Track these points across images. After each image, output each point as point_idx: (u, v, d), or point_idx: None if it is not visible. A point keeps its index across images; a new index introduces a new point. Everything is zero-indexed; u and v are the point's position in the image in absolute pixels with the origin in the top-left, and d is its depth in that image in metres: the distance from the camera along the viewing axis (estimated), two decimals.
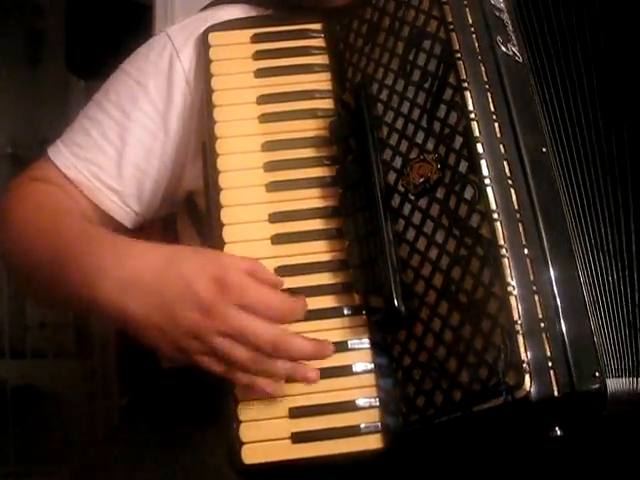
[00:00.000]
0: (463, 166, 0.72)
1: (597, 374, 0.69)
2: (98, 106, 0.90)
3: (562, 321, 0.69)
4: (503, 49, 0.77)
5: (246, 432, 0.75)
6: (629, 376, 0.71)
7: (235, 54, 0.86)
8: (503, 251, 0.69)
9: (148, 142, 0.89)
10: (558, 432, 0.69)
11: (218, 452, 0.77)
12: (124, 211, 0.90)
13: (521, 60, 0.78)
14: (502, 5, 0.79)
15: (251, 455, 0.74)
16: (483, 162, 0.72)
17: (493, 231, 0.70)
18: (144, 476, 0.74)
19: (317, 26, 0.87)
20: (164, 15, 1.71)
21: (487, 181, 0.71)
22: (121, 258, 0.74)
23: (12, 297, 2.35)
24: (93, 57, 2.29)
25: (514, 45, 0.78)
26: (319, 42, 0.86)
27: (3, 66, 2.65)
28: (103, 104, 0.90)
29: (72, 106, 2.44)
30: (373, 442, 0.74)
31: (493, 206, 0.71)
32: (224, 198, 0.81)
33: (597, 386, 0.69)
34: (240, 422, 0.75)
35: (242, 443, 0.74)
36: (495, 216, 0.70)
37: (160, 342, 0.72)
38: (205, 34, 0.86)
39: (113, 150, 0.88)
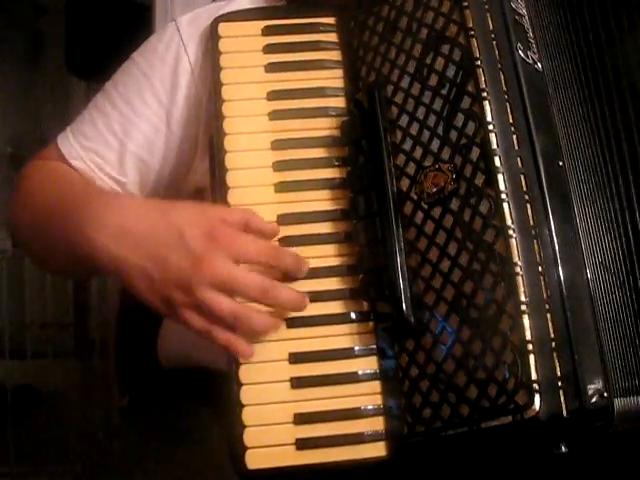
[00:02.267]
0: (479, 179, 0.71)
1: (605, 394, 0.69)
2: (106, 97, 0.91)
3: (573, 340, 0.69)
4: (523, 57, 0.75)
5: (250, 437, 0.74)
6: (637, 395, 0.71)
7: (246, 47, 0.83)
8: (517, 269, 0.69)
9: (151, 135, 0.89)
10: (563, 449, 0.69)
11: (220, 451, 0.77)
12: None
13: (540, 68, 0.76)
14: (523, 10, 0.77)
15: (255, 460, 0.74)
16: (500, 176, 0.71)
17: (508, 247, 0.69)
18: (145, 476, 0.74)
19: (330, 20, 0.84)
20: (164, 15, 1.67)
21: (503, 196, 0.70)
22: (118, 209, 0.76)
23: (12, 297, 2.33)
24: (93, 57, 2.26)
25: (534, 52, 0.76)
26: (332, 37, 0.84)
27: (3, 66, 2.60)
28: (111, 95, 0.90)
29: (72, 106, 2.40)
30: (377, 450, 0.74)
31: (509, 222, 0.70)
32: (232, 197, 0.79)
33: (605, 405, 0.69)
34: (245, 427, 0.74)
35: (246, 448, 0.74)
36: (510, 232, 0.69)
37: (149, 293, 0.73)
38: (215, 24, 0.83)
39: (116, 142, 0.89)
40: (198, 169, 0.90)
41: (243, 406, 0.75)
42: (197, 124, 0.88)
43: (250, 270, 0.74)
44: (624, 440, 0.75)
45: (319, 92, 0.82)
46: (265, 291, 0.73)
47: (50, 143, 0.92)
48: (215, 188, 0.80)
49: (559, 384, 0.67)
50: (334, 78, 0.83)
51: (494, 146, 0.71)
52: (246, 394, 0.75)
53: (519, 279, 0.68)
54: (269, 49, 0.83)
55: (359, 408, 0.75)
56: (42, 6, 2.71)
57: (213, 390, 0.81)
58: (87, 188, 0.87)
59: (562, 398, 0.67)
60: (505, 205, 0.70)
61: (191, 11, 0.92)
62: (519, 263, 0.69)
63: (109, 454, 0.82)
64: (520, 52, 0.75)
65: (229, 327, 0.73)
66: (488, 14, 0.75)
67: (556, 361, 0.68)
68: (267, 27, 0.84)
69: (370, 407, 0.75)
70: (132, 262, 0.73)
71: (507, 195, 0.70)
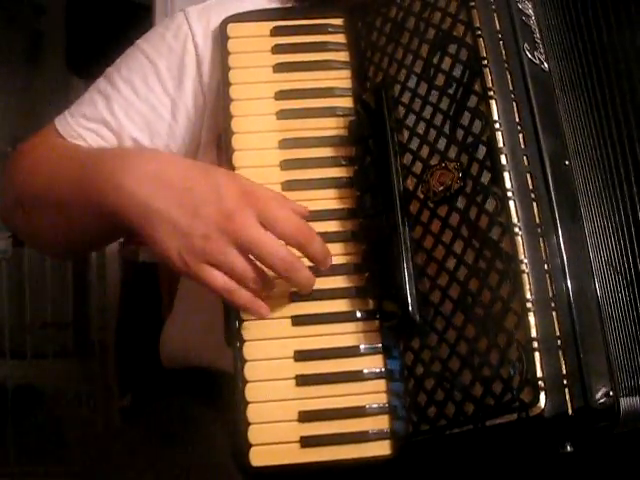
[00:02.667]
0: (486, 177, 0.71)
1: (611, 393, 0.69)
2: (108, 80, 0.90)
3: (578, 338, 0.69)
4: (530, 57, 0.75)
5: (255, 434, 0.74)
6: None
7: (254, 47, 0.84)
8: (523, 267, 0.69)
9: (154, 122, 0.88)
10: (569, 448, 0.69)
11: (222, 451, 0.77)
12: None
13: (547, 69, 0.76)
14: (530, 11, 0.77)
15: (259, 457, 0.74)
16: (506, 174, 0.71)
17: (514, 245, 0.69)
18: (145, 476, 0.73)
19: (338, 21, 0.85)
20: (164, 15, 1.69)
21: (509, 194, 0.70)
22: (153, 158, 0.76)
23: (12, 297, 2.34)
24: (93, 57, 2.27)
25: (541, 53, 0.76)
26: (340, 38, 0.84)
27: (3, 66, 2.62)
28: (113, 78, 0.89)
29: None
30: (381, 449, 0.74)
31: (515, 219, 0.70)
32: None
33: (611, 404, 0.69)
34: (249, 424, 0.74)
35: (250, 445, 0.74)
36: (516, 230, 0.69)
37: (171, 242, 0.71)
38: (224, 25, 0.84)
39: (116, 123, 0.88)
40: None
41: (248, 403, 0.75)
42: (202, 116, 0.88)
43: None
44: (629, 442, 0.75)
45: (327, 92, 0.83)
46: (288, 263, 0.71)
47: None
48: None
49: (565, 382, 0.67)
50: (342, 79, 0.83)
51: (500, 144, 0.71)
52: (251, 391, 0.75)
53: (525, 277, 0.68)
54: (277, 49, 0.84)
55: (364, 406, 0.75)
56: (42, 6, 2.73)
57: (214, 390, 0.81)
58: (106, 148, 0.85)
59: (567, 396, 0.67)
60: (511, 203, 0.70)
61: None
62: (525, 261, 0.69)
63: (109, 454, 0.81)
64: (527, 52, 0.75)
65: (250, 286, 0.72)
66: (495, 14, 0.75)
67: (562, 359, 0.68)
68: (276, 28, 0.84)
69: (375, 405, 0.75)
70: (160, 207, 0.71)
71: (513, 193, 0.70)
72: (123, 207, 0.73)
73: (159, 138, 0.88)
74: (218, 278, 0.72)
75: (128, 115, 0.88)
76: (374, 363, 0.76)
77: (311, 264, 0.75)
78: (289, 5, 0.90)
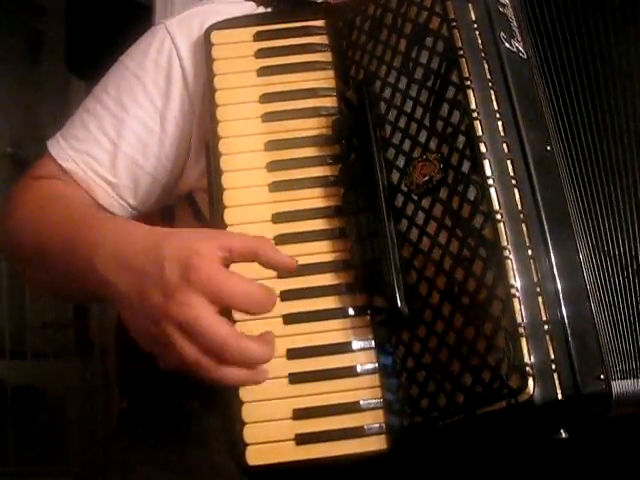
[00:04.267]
0: (466, 166, 0.72)
1: (602, 376, 0.68)
2: (97, 100, 0.91)
3: (566, 323, 0.68)
4: (507, 45, 0.75)
5: (250, 433, 0.74)
6: (634, 378, 0.70)
7: (238, 53, 0.85)
8: (506, 252, 0.68)
9: (144, 137, 0.89)
10: (563, 435, 0.68)
11: (220, 452, 0.77)
12: (118, 204, 0.90)
13: (525, 56, 0.76)
14: (507, 0, 0.77)
15: (255, 456, 0.74)
16: (486, 162, 0.71)
17: (496, 232, 0.69)
18: (145, 476, 0.74)
19: (320, 23, 0.86)
20: (164, 15, 1.70)
21: (490, 181, 0.70)
22: (117, 235, 0.75)
23: (12, 297, 2.37)
24: (93, 57, 2.29)
25: (518, 41, 0.76)
26: (322, 39, 0.85)
27: (3, 66, 2.66)
28: (102, 97, 0.91)
29: (72, 106, 2.44)
30: (377, 443, 0.74)
31: (496, 206, 0.70)
32: (227, 198, 0.80)
33: (602, 388, 0.68)
34: (244, 423, 0.74)
35: (246, 444, 0.74)
36: (498, 217, 0.69)
37: (131, 323, 0.72)
38: (207, 33, 0.85)
39: (109, 143, 0.89)
40: (191, 172, 0.90)
41: (242, 403, 0.75)
42: (190, 126, 0.89)
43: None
44: (624, 431, 0.74)
45: (311, 93, 0.84)
46: (225, 345, 0.68)
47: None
48: (211, 191, 0.81)
49: (553, 367, 0.67)
50: (325, 79, 0.84)
51: (479, 133, 0.71)
52: (245, 391, 0.75)
53: (508, 263, 0.68)
54: (261, 54, 0.85)
55: (358, 402, 0.75)
56: (42, 6, 2.76)
57: (212, 391, 0.81)
58: (87, 208, 0.86)
59: (557, 382, 0.66)
60: (492, 190, 0.70)
61: None
62: (508, 247, 0.69)
63: (109, 454, 0.82)
64: (504, 40, 0.75)
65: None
66: (470, 5, 0.75)
67: (549, 344, 0.67)
68: (258, 32, 0.85)
69: (369, 401, 0.75)
70: (123, 292, 0.71)
71: (494, 180, 0.70)
72: (98, 283, 0.74)
73: (150, 152, 0.90)
74: (167, 358, 0.70)
75: (120, 133, 0.89)
76: (367, 358, 0.76)
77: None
78: (269, 10, 0.91)
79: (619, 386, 0.69)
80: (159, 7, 1.78)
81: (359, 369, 0.76)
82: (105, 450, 0.85)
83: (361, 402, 0.75)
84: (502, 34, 0.75)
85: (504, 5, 0.77)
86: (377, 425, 0.74)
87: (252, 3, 0.91)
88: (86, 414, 2.25)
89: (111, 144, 0.89)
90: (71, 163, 0.89)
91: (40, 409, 2.35)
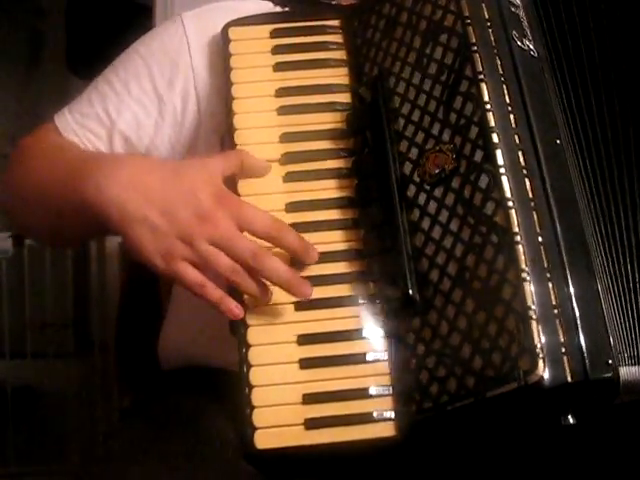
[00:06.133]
0: (478, 155, 0.73)
1: (610, 362, 0.69)
2: (105, 80, 0.94)
3: (575, 308, 0.69)
4: (519, 43, 0.78)
5: (260, 417, 0.75)
6: None
7: (255, 48, 0.87)
8: (517, 238, 0.70)
9: (142, 119, 0.92)
10: (571, 420, 0.69)
11: (223, 449, 0.77)
12: None
13: (536, 55, 0.79)
14: (518, 1, 0.80)
15: (264, 440, 0.74)
16: (498, 151, 0.73)
17: (507, 218, 0.71)
18: (145, 476, 0.74)
19: (335, 22, 0.88)
20: (164, 15, 1.73)
21: (502, 170, 0.72)
22: (129, 163, 0.80)
23: (12, 297, 2.36)
24: (93, 57, 2.32)
25: (530, 40, 0.79)
26: (337, 38, 0.88)
27: (3, 66, 2.68)
28: (110, 78, 0.94)
29: None
30: (386, 430, 0.74)
31: (507, 194, 0.71)
32: (242, 188, 0.82)
33: (610, 374, 0.69)
34: (254, 407, 0.75)
35: (255, 428, 0.74)
36: (509, 204, 0.71)
37: (148, 243, 0.75)
38: (225, 29, 0.88)
39: (108, 120, 0.92)
40: None
41: (252, 387, 0.76)
42: (192, 116, 0.91)
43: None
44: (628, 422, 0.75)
45: (325, 89, 0.86)
46: (256, 257, 0.75)
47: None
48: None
49: (563, 350, 0.68)
50: (339, 76, 0.86)
51: (492, 124, 0.73)
52: (255, 375, 0.76)
53: (519, 248, 0.70)
54: (277, 50, 0.87)
55: (367, 388, 0.76)
56: (42, 6, 2.78)
57: (214, 388, 0.82)
58: (91, 152, 0.91)
59: (566, 364, 0.68)
60: (504, 178, 0.72)
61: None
62: (519, 232, 0.70)
63: (109, 454, 0.82)
64: (516, 39, 0.78)
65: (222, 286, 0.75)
66: (483, 4, 0.78)
67: (559, 328, 0.68)
68: (275, 30, 0.88)
69: (378, 387, 0.76)
70: (139, 212, 0.75)
71: (506, 169, 0.72)
72: (102, 208, 0.77)
73: (145, 134, 0.92)
74: (190, 274, 0.75)
75: (120, 113, 0.92)
76: (377, 345, 0.77)
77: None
78: (286, 10, 0.93)
79: (627, 372, 0.70)
80: (159, 7, 1.80)
81: (369, 356, 0.77)
82: (106, 449, 0.85)
83: (370, 388, 0.76)
84: (514, 32, 0.78)
85: (516, 6, 0.80)
86: (386, 411, 0.75)
87: (268, 2, 0.94)
88: (86, 414, 2.22)
89: (110, 121, 0.92)
90: (73, 135, 0.92)
91: (40, 409, 2.33)
